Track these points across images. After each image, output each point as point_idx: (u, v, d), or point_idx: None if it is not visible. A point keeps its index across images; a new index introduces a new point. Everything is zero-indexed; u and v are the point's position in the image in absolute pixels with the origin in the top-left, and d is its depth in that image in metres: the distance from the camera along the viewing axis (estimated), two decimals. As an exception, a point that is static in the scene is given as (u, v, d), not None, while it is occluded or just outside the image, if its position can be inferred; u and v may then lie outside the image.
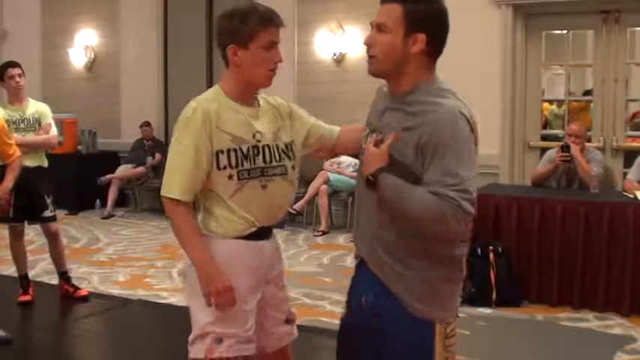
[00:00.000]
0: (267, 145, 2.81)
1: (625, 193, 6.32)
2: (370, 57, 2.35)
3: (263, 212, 2.81)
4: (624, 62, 8.21)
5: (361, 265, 2.48)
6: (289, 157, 2.86)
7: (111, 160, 10.86)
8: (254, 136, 2.78)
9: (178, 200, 2.73)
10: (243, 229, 2.79)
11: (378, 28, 2.30)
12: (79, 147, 11.05)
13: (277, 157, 2.82)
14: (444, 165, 2.14)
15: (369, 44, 2.34)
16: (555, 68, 10.23)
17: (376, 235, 2.36)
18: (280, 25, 2.82)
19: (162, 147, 10.65)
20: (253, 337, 2.83)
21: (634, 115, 8.94)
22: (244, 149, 2.74)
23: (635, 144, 8.31)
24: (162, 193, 2.76)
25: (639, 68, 9.09)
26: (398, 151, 2.26)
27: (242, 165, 2.73)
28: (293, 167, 2.88)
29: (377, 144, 2.33)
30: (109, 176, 10.42)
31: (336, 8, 9.57)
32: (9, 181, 5.04)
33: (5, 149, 5.04)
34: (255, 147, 2.78)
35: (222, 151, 2.72)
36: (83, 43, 11.70)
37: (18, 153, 5.09)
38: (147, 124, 10.72)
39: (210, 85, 10.27)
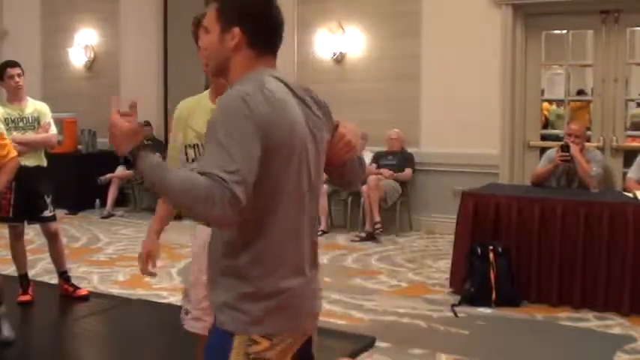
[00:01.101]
0: None
1: (625, 193, 6.33)
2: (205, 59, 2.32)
3: None
4: (624, 62, 8.22)
5: None
6: None
7: (111, 160, 10.78)
8: None
9: None
10: None
11: (204, 30, 2.27)
12: (79, 146, 11.06)
13: None
14: (214, 147, 2.00)
15: (201, 47, 2.33)
16: (555, 68, 10.24)
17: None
18: (197, 20, 2.99)
19: (162, 146, 10.65)
20: (204, 317, 3.08)
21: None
22: None
23: (635, 144, 8.31)
24: None
25: (639, 68, 9.09)
26: None
27: None
28: None
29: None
30: (108, 176, 10.43)
31: (336, 8, 9.58)
32: (1, 183, 4.91)
33: None
34: None
35: (190, 146, 3.13)
36: (83, 43, 11.70)
37: (13, 154, 4.94)
38: (147, 123, 10.71)
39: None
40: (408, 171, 8.95)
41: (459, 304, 5.84)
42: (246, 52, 2.20)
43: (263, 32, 2.22)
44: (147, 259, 3.29)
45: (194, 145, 3.11)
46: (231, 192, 1.91)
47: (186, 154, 3.13)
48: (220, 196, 1.91)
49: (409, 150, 9.07)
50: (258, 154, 2.01)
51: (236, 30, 2.18)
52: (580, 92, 9.83)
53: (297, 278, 2.18)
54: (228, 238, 2.13)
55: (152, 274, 3.37)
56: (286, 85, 2.20)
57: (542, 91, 9.11)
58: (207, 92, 3.23)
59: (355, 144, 2.37)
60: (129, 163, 2.15)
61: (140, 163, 2.12)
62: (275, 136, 2.05)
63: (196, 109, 3.16)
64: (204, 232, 3.14)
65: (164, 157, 2.34)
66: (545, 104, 9.81)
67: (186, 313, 3.22)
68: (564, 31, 8.63)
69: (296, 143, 2.12)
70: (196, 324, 3.14)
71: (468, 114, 8.64)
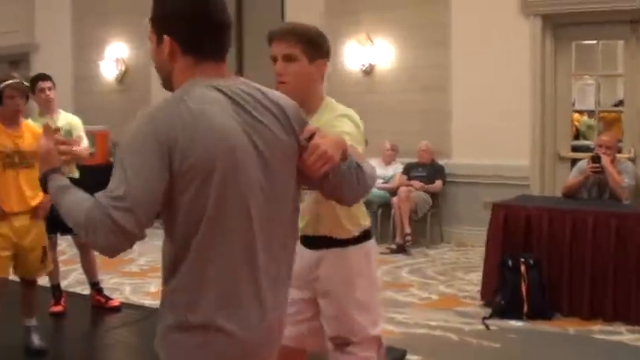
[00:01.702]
0: None
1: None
2: None
3: None
4: (655, 72, 8.15)
5: None
6: None
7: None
8: None
9: None
10: None
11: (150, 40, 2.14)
12: (110, 159, 11.14)
13: None
14: (115, 169, 1.87)
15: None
16: (586, 78, 10.17)
17: None
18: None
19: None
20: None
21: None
22: None
23: (667, 154, 8.22)
24: None
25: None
26: None
27: None
28: None
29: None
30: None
31: (364, 20, 9.59)
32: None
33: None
34: None
35: None
36: (114, 56, 11.82)
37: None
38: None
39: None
40: (438, 183, 8.93)
41: (491, 316, 5.80)
42: (183, 60, 2.02)
43: (197, 37, 2.01)
44: None
45: None
46: (111, 219, 1.79)
47: None
48: (101, 224, 1.80)
49: (440, 162, 9.05)
50: (164, 176, 1.85)
51: (166, 39, 2.03)
52: (620, 103, 9.70)
53: (239, 311, 1.96)
54: (166, 263, 1.98)
55: None
56: (224, 93, 1.97)
57: (573, 102, 9.05)
58: None
59: (332, 156, 2.05)
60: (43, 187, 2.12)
61: (49, 185, 2.06)
62: (187, 155, 1.86)
63: None
64: None
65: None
66: (576, 115, 9.74)
67: None
68: (594, 42, 8.58)
69: (219, 159, 1.89)
70: None
71: (498, 125, 8.59)
